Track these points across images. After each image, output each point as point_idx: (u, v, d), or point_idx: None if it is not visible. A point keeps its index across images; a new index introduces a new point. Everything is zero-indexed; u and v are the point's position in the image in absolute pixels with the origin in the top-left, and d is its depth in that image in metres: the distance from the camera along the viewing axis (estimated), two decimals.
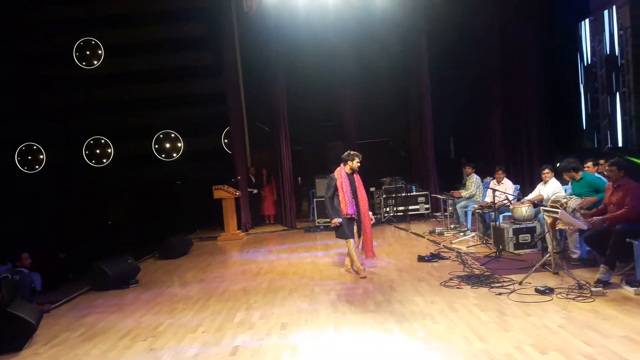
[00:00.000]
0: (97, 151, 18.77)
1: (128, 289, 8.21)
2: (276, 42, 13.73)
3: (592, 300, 5.52)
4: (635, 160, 10.11)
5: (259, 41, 13.92)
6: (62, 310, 7.35)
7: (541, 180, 8.52)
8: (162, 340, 5.53)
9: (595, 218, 6.22)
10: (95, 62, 18.53)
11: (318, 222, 13.22)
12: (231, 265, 9.65)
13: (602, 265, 5.99)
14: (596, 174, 7.76)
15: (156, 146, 18.57)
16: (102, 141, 18.70)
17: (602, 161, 8.34)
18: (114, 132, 18.54)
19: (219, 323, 5.96)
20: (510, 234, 8.31)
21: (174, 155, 18.60)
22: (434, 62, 14.02)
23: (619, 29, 11.17)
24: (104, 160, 18.74)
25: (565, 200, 6.73)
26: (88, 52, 18.52)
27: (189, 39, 17.98)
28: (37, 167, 18.77)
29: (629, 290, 5.71)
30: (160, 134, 18.57)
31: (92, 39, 18.45)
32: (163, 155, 18.60)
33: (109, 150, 18.71)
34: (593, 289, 5.73)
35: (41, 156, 18.79)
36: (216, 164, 17.20)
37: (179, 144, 18.61)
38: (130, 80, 18.22)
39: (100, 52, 18.48)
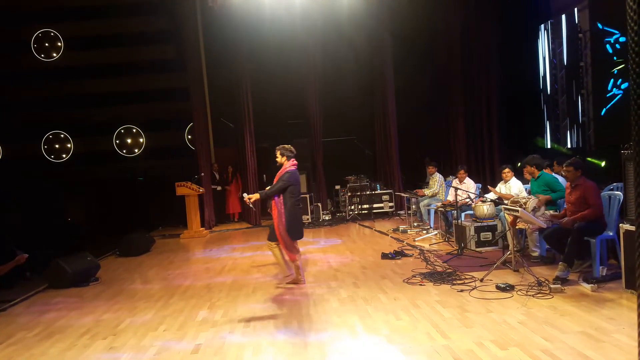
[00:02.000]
0: (57, 146, 18.29)
1: (88, 287, 8.03)
2: (241, 38, 13.61)
3: (551, 297, 5.65)
4: (593, 160, 10.38)
5: (223, 36, 13.79)
6: (18, 308, 7.14)
7: (501, 180, 8.68)
8: (123, 339, 5.42)
9: (565, 219, 6.37)
10: (55, 55, 18.04)
11: None
12: (194, 263, 9.54)
13: (560, 263, 6.14)
14: (553, 174, 7.94)
15: (117, 141, 18.21)
16: (62, 136, 18.24)
17: (554, 163, 8.52)
18: (74, 127, 18.09)
19: (181, 321, 5.88)
20: (472, 232, 8.44)
21: (136, 151, 18.26)
22: (399, 61, 14.14)
23: (578, 32, 11.45)
24: (64, 156, 18.28)
25: (524, 200, 6.88)
26: (47, 44, 18.03)
27: (151, 32, 17.65)
28: None
29: (586, 287, 5.86)
30: (122, 129, 18.21)
31: (51, 30, 17.95)
32: (124, 151, 18.25)
33: (69, 145, 18.26)
34: (552, 286, 5.87)
35: None
36: (179, 161, 16.96)
37: (141, 140, 18.28)
38: (91, 73, 17.79)
39: (59, 44, 18.00)
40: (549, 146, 12.73)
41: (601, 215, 6.26)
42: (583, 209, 6.22)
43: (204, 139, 14.24)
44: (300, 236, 7.14)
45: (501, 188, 8.56)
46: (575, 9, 11.49)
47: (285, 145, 7.38)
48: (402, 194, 12.46)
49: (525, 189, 8.24)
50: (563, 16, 11.99)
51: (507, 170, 8.48)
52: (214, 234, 13.04)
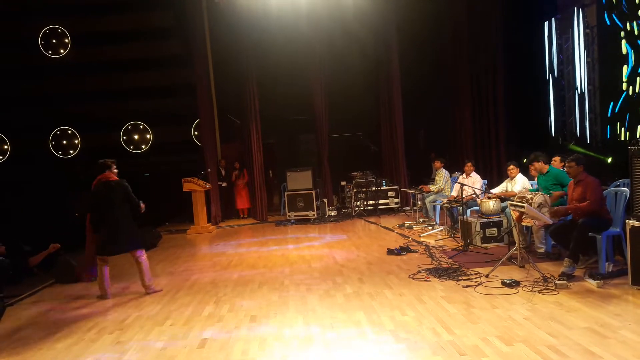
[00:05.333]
0: (64, 142, 18.40)
1: (95, 282, 8.07)
2: (247, 33, 13.63)
3: (557, 292, 5.64)
4: (600, 156, 10.33)
5: (229, 32, 13.81)
6: (25, 303, 7.20)
7: (507, 176, 8.66)
8: (129, 334, 5.45)
9: (558, 207, 6.38)
10: (62, 51, 18.11)
11: (289, 216, 13.22)
12: (200, 258, 9.57)
13: (566, 259, 6.12)
14: (563, 169, 7.91)
15: (124, 137, 18.29)
16: (69, 132, 18.33)
17: (557, 158, 8.39)
18: (82, 123, 18.17)
19: (187, 316, 5.91)
20: (478, 227, 8.43)
21: (143, 147, 18.34)
22: (405, 56, 14.12)
23: (585, 28, 11.39)
24: (72, 152, 18.38)
25: (530, 196, 6.86)
26: (54, 41, 18.10)
27: (158, 28, 17.70)
28: (1, 157, 18.31)
29: (591, 283, 5.85)
30: (129, 125, 18.29)
31: (59, 27, 18.03)
32: (131, 147, 18.32)
33: (77, 141, 18.36)
34: (557, 281, 5.86)
35: (6, 146, 18.35)
36: (186, 156, 17.03)
37: (148, 136, 18.35)
38: (98, 70, 17.86)
39: (67, 40, 18.07)
40: (559, 142, 12.67)
41: (598, 210, 6.20)
42: None
43: (210, 135, 14.27)
44: (108, 252, 7.04)
45: (507, 186, 8.54)
46: (581, 5, 11.43)
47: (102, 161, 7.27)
48: (408, 190, 12.46)
49: (532, 185, 8.22)
50: (572, 11, 11.92)
51: (511, 167, 8.46)
52: (221, 230, 13.08)
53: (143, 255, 7.13)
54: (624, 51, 9.95)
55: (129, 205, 7.12)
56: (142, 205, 7.29)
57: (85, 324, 5.91)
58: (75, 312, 6.49)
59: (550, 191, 7.31)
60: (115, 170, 7.30)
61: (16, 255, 8.51)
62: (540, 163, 7.61)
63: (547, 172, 7.57)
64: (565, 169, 6.77)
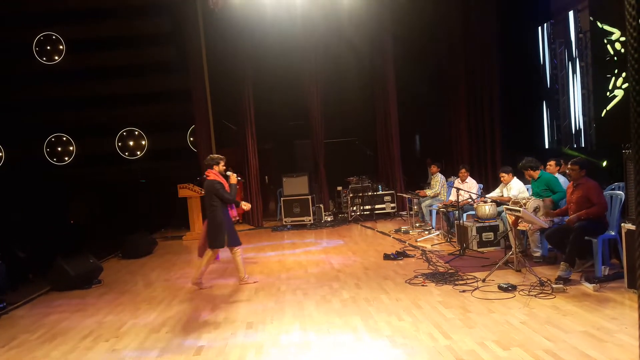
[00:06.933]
0: (59, 149, 18.34)
1: (90, 289, 8.04)
2: (243, 39, 13.63)
3: (553, 296, 5.65)
4: (594, 160, 10.36)
5: (225, 38, 13.80)
6: (21, 311, 7.15)
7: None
8: (125, 341, 5.43)
9: (569, 217, 6.37)
10: (57, 58, 18.08)
11: (285, 221, 13.20)
12: (196, 265, 9.52)
13: (562, 263, 6.14)
14: (557, 174, 7.92)
15: (119, 144, 18.25)
16: (64, 138, 18.28)
17: (552, 162, 8.37)
18: (76, 129, 18.13)
19: (184, 323, 5.89)
20: (474, 232, 8.43)
21: (138, 153, 18.30)
22: (400, 62, 14.14)
23: (578, 32, 11.44)
24: (66, 158, 18.33)
25: (524, 201, 6.88)
26: (49, 47, 18.07)
27: (153, 34, 17.68)
28: None
29: (588, 287, 5.86)
30: (124, 132, 18.25)
31: (53, 33, 18.00)
32: (127, 153, 18.28)
33: (71, 148, 18.31)
34: (554, 285, 5.87)
35: (0, 153, 18.28)
36: (181, 162, 16.98)
37: (143, 142, 18.31)
38: (93, 76, 17.83)
39: (61, 47, 18.04)
40: (553, 146, 12.71)
41: (604, 214, 6.26)
42: (585, 209, 6.21)
43: (205, 141, 14.24)
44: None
45: (503, 191, 8.54)
46: (575, 10, 11.49)
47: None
48: (404, 195, 12.46)
49: (527, 189, 8.22)
50: (563, 16, 11.99)
51: (501, 174, 8.45)
52: None
53: (235, 252, 7.50)
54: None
55: (220, 203, 7.25)
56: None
57: (80, 332, 5.88)
58: (70, 319, 6.45)
59: (542, 197, 7.31)
60: (223, 167, 7.50)
61: (10, 262, 8.47)
62: (529, 171, 7.61)
63: (538, 177, 7.56)
64: (567, 171, 6.79)
